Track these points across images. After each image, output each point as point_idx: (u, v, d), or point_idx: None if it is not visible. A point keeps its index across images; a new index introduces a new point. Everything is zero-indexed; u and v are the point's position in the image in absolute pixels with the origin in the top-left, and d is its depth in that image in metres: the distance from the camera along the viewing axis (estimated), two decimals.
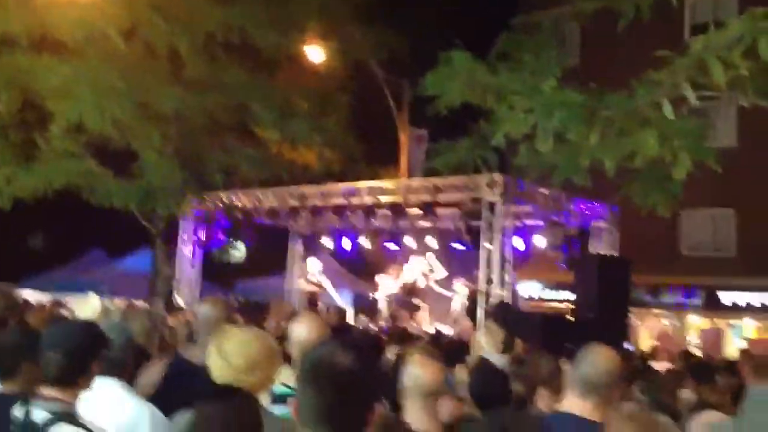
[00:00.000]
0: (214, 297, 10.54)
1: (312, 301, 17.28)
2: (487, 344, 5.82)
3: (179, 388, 3.54)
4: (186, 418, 2.76)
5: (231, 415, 2.45)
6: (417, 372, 3.25)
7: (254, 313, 14.58)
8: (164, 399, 3.38)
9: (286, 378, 3.65)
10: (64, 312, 10.54)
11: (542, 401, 4.45)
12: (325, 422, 1.91)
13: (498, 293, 12.60)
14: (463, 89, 6.94)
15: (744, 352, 13.15)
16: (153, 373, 3.75)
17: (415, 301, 16.86)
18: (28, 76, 11.45)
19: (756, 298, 18.73)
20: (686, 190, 7.31)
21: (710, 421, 4.01)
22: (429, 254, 16.50)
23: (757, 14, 5.38)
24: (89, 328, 3.06)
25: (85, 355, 2.86)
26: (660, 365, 10.98)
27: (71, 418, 2.73)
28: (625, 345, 12.25)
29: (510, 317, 11.01)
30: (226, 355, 2.90)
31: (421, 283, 17.31)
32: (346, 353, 1.98)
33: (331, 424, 1.91)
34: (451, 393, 3.75)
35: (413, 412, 3.16)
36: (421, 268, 16.77)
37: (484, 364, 5.11)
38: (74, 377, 2.82)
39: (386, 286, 16.75)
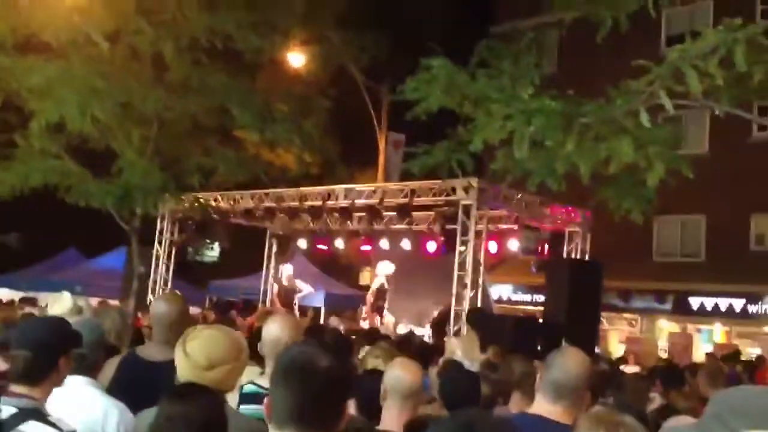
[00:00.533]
0: (170, 293, 10.47)
1: (286, 301, 17.24)
2: (459, 348, 5.86)
3: (132, 384, 3.53)
4: (149, 416, 2.76)
5: (193, 413, 2.43)
6: (398, 373, 3.28)
7: (226, 312, 14.59)
8: (117, 395, 3.37)
9: (255, 377, 3.65)
10: (34, 309, 10.43)
11: (515, 404, 4.49)
12: (300, 421, 1.93)
13: (469, 296, 12.67)
14: (441, 95, 7.00)
15: (709, 356, 13.39)
16: (108, 369, 3.72)
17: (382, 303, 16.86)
18: (10, 77, 11.33)
19: (725, 304, 19.01)
20: (658, 196, 7.42)
21: (677, 426, 4.05)
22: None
23: (732, 25, 5.49)
24: (57, 324, 3.03)
25: (52, 351, 2.84)
26: (629, 369, 11.13)
27: (39, 414, 2.71)
28: (595, 349, 12.39)
29: (484, 321, 11.11)
30: (189, 352, 2.90)
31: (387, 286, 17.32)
32: (321, 353, 2.00)
33: (307, 423, 1.93)
34: (426, 395, 3.77)
35: (391, 413, 3.18)
36: (386, 271, 16.78)
37: (453, 365, 5.16)
38: (42, 374, 2.80)
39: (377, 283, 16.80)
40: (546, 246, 14.35)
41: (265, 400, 2.05)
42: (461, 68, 7.01)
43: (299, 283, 17.71)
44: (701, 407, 5.26)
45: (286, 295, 17.53)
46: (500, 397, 4.57)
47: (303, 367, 1.97)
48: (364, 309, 16.72)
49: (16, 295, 16.21)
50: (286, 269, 17.73)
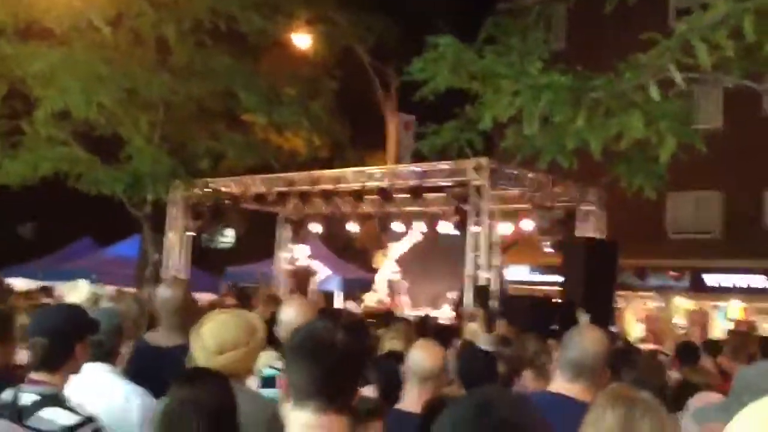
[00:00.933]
0: (174, 278, 10.51)
1: (301, 285, 17.29)
2: (478, 328, 5.91)
3: (142, 370, 3.56)
4: (161, 402, 2.79)
5: (203, 398, 2.44)
6: (418, 356, 3.30)
7: (244, 298, 14.64)
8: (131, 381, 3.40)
9: (273, 361, 3.67)
10: (50, 299, 10.52)
11: (528, 382, 4.50)
12: (319, 395, 1.93)
13: (485, 276, 12.65)
14: (449, 74, 6.96)
15: (732, 333, 13.33)
16: (120, 357, 3.76)
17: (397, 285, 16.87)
18: (14, 64, 11.36)
19: (741, 280, 18.91)
20: (671, 173, 7.37)
21: (711, 402, 3.99)
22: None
23: None
24: (72, 311, 3.07)
25: (67, 338, 2.86)
26: (646, 347, 11.10)
27: (58, 400, 2.74)
28: (611, 327, 12.36)
29: (491, 300, 11.16)
30: (201, 337, 2.91)
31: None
32: (335, 328, 2.02)
33: (326, 397, 1.93)
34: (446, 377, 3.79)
35: (412, 394, 3.21)
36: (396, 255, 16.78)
37: (470, 346, 5.17)
38: (59, 361, 2.83)
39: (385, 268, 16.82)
40: (560, 225, 14.28)
41: (281, 380, 2.06)
42: (468, 46, 6.96)
43: (316, 265, 17.70)
44: (719, 382, 5.26)
45: (301, 277, 17.56)
46: (514, 374, 4.59)
47: (319, 341, 1.98)
48: (378, 291, 16.71)
49: (32, 285, 16.36)
50: (302, 250, 17.64)
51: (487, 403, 1.40)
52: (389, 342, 4.81)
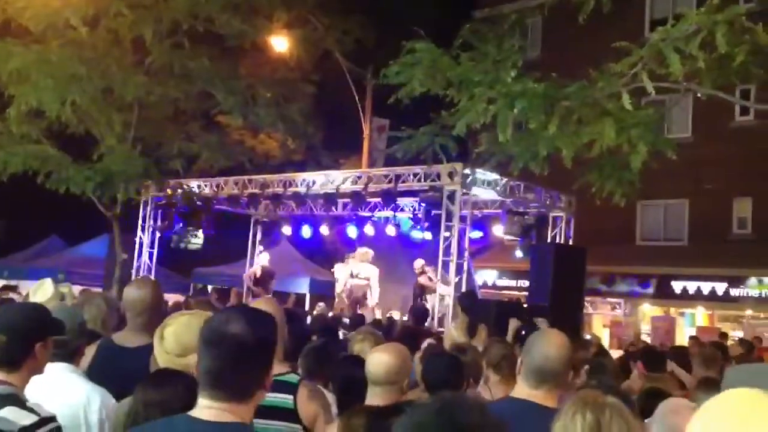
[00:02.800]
0: (143, 279, 10.38)
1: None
2: (456, 332, 5.91)
3: (107, 370, 3.53)
4: (127, 404, 2.77)
5: (169, 400, 2.47)
6: (376, 359, 3.26)
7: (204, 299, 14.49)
8: (93, 381, 3.37)
9: None
10: (15, 296, 10.34)
11: (493, 387, 4.50)
12: (215, 387, 2.01)
13: (453, 281, 12.68)
14: (425, 79, 6.97)
15: (693, 339, 13.51)
16: (88, 356, 3.70)
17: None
18: None
19: (707, 287, 19.18)
20: (641, 181, 7.45)
21: (686, 404, 3.98)
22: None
23: (713, 6, 5.49)
24: (33, 310, 3.01)
25: (27, 336, 2.80)
26: (612, 353, 11.19)
27: (17, 400, 2.69)
28: (581, 333, 12.46)
29: (473, 304, 11.13)
30: (163, 339, 2.88)
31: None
32: (237, 320, 2.04)
33: (222, 389, 2.00)
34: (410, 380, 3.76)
35: (373, 399, 3.18)
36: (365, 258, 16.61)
37: (435, 350, 5.17)
38: (18, 360, 2.77)
39: (342, 274, 16.61)
40: (530, 230, 14.38)
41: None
42: (445, 52, 6.99)
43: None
44: (681, 390, 5.30)
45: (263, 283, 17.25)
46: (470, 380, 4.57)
47: (214, 333, 2.04)
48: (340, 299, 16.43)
49: None
50: (263, 257, 17.33)
51: (447, 408, 1.40)
52: (359, 344, 4.78)
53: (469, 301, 11.28)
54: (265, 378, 2.09)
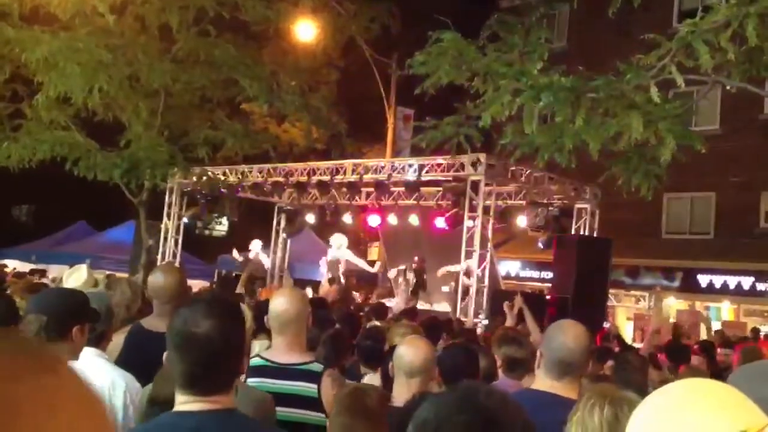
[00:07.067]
0: (167, 265, 10.47)
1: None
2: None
3: (138, 355, 3.56)
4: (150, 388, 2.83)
5: None
6: (402, 351, 3.29)
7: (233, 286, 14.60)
8: (124, 366, 3.41)
9: (263, 350, 3.69)
10: (44, 281, 10.53)
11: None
12: (190, 387, 2.00)
13: (477, 272, 12.68)
14: (450, 69, 6.95)
15: (718, 334, 13.39)
16: (116, 341, 3.76)
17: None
18: (17, 47, 11.33)
19: (733, 281, 18.97)
20: (668, 174, 7.38)
21: None
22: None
23: None
24: (73, 295, 3.08)
25: (65, 320, 2.87)
26: (636, 346, 11.13)
27: None
28: (604, 325, 12.41)
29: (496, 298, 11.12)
30: None
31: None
32: (203, 318, 2.03)
33: (197, 388, 2.00)
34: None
35: (399, 389, 3.20)
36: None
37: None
38: (54, 340, 2.82)
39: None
40: (555, 222, 14.32)
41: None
42: (471, 42, 6.96)
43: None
44: None
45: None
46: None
47: (182, 338, 2.03)
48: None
49: (25, 267, 16.35)
50: (256, 244, 17.28)
51: (469, 398, 1.41)
52: (399, 338, 4.79)
53: (501, 303, 11.21)
54: (240, 367, 2.13)
